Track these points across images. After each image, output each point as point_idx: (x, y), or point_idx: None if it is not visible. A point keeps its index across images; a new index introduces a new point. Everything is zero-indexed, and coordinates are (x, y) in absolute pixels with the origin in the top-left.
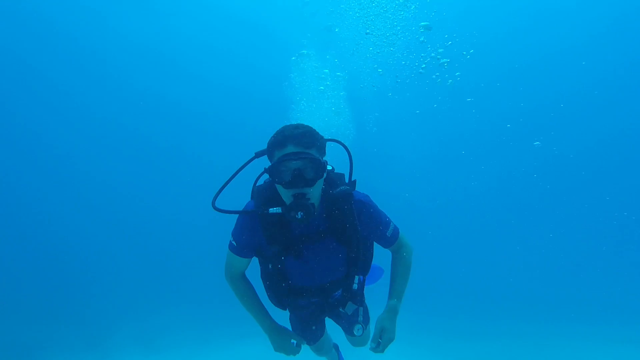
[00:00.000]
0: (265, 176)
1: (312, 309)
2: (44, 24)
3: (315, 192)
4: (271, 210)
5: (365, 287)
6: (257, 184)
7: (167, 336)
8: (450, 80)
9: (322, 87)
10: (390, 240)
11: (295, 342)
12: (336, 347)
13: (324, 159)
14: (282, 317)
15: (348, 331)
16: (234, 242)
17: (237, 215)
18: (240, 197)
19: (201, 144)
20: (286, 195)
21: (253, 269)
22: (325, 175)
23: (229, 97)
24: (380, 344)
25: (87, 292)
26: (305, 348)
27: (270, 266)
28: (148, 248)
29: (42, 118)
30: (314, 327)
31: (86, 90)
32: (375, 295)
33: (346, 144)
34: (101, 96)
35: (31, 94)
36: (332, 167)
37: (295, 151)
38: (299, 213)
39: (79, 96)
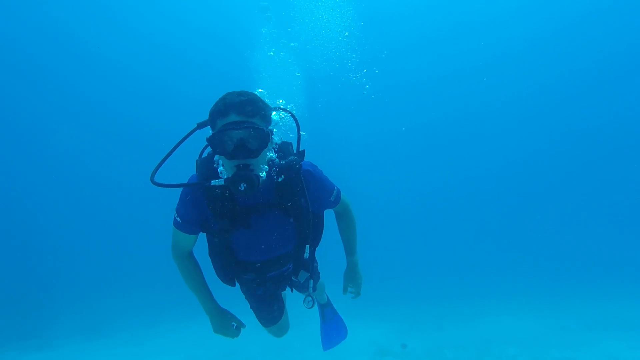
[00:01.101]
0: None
1: (267, 285)
2: None
3: (259, 163)
4: (213, 182)
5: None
6: (202, 157)
7: (112, 322)
8: (367, 86)
9: (271, 52)
10: (334, 203)
11: (235, 324)
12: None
13: (270, 128)
14: (235, 298)
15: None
16: (178, 219)
17: (180, 191)
18: (186, 172)
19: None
20: (229, 166)
21: (202, 245)
22: (270, 145)
23: (183, 63)
24: (355, 291)
25: (25, 281)
26: (244, 331)
27: (216, 241)
28: (90, 233)
29: None
30: (275, 307)
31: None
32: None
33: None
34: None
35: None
36: (281, 138)
37: (238, 120)
38: (241, 185)
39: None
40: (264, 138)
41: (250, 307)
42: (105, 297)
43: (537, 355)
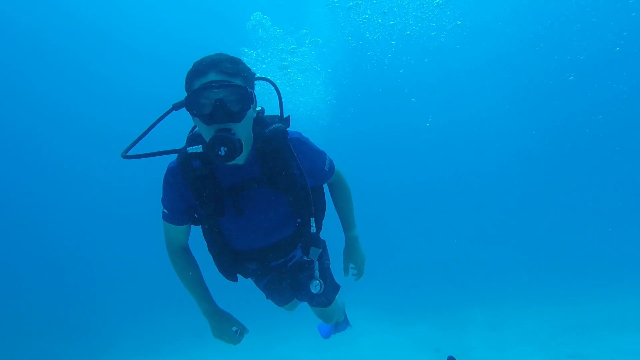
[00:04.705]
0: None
1: (270, 276)
2: None
3: (242, 129)
4: (190, 149)
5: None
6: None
7: (167, 342)
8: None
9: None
10: (329, 173)
11: (236, 329)
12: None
13: (252, 92)
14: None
15: (308, 298)
16: (165, 210)
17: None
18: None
19: None
20: (208, 132)
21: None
22: (252, 108)
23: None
24: (357, 272)
25: (88, 302)
26: (247, 336)
27: (207, 229)
28: (145, 255)
29: None
30: (284, 285)
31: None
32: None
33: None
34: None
35: None
36: (263, 108)
37: (218, 79)
38: (221, 148)
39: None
40: (247, 99)
41: (260, 290)
42: (158, 318)
43: (551, 353)
